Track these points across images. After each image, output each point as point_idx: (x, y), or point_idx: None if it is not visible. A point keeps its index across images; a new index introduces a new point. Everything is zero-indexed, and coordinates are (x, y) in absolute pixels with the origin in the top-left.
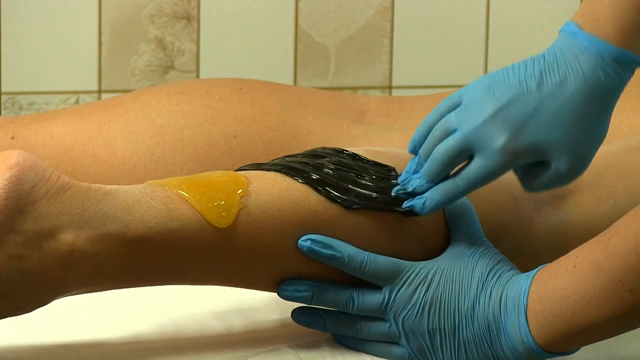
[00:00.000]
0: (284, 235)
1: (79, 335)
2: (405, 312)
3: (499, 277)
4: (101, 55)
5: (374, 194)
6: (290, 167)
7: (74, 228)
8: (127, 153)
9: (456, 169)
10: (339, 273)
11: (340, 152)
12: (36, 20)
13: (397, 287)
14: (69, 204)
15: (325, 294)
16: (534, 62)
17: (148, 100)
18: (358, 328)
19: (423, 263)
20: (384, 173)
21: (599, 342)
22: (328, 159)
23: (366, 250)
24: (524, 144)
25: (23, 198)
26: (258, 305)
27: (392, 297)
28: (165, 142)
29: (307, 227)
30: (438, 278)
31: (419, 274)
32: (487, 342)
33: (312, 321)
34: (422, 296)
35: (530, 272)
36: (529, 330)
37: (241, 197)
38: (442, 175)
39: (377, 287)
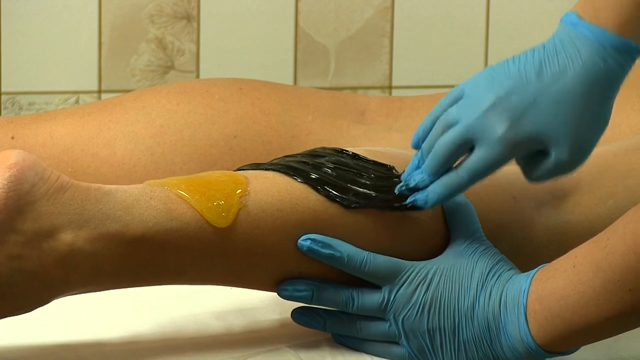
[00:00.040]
0: (283, 235)
1: (78, 335)
2: (405, 311)
3: (498, 276)
4: (101, 55)
5: (373, 193)
6: (289, 166)
7: (73, 228)
8: (127, 153)
9: (458, 161)
10: (339, 273)
11: (340, 152)
12: (36, 20)
13: (397, 287)
14: (68, 204)
15: (325, 293)
16: (534, 53)
17: (148, 100)
18: (358, 328)
19: (423, 263)
20: (384, 172)
21: (599, 342)
22: (327, 158)
23: (366, 250)
24: (524, 133)
25: (23, 198)
26: (258, 305)
27: (392, 297)
28: (165, 142)
29: (306, 227)
30: (438, 278)
31: (419, 273)
32: (486, 342)
33: (312, 321)
34: (422, 296)
35: (529, 271)
36: (529, 329)
37: (240, 196)
38: (444, 168)
39: (376, 287)
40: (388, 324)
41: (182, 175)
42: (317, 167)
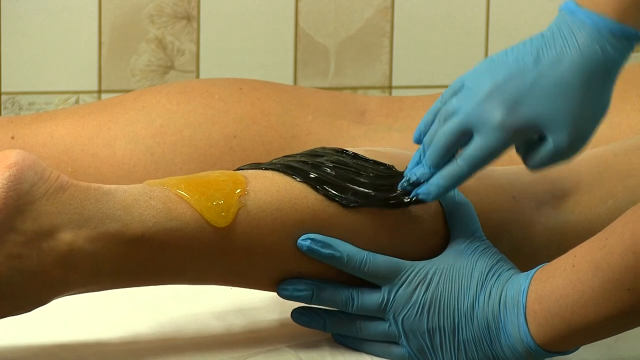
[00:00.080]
0: (283, 235)
1: (78, 335)
2: (405, 311)
3: (498, 276)
4: (101, 55)
5: (372, 192)
6: (288, 165)
7: (73, 227)
8: (127, 153)
9: (459, 153)
10: (339, 272)
11: (340, 151)
12: (36, 20)
13: (397, 287)
14: (68, 204)
15: (324, 293)
16: (532, 41)
17: (148, 100)
18: (358, 328)
19: (422, 262)
20: (383, 171)
21: (599, 342)
22: (327, 157)
23: (365, 249)
24: (522, 119)
25: (22, 197)
26: (258, 305)
27: (392, 297)
28: (165, 142)
29: (306, 226)
30: (437, 277)
31: (419, 273)
32: (486, 342)
33: (311, 321)
34: (421, 296)
35: (529, 271)
36: (528, 329)
37: (240, 196)
38: (445, 159)
39: (376, 287)
40: (388, 323)
41: (182, 175)
42: (317, 167)
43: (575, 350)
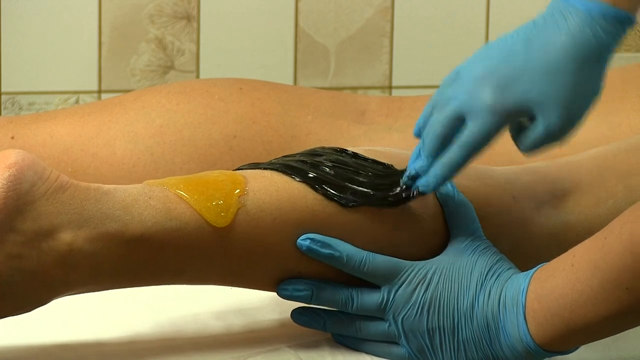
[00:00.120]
0: (282, 235)
1: (78, 335)
2: (405, 311)
3: (498, 276)
4: (101, 55)
5: (371, 191)
6: (287, 165)
7: (72, 227)
8: (127, 153)
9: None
10: (338, 272)
11: (339, 151)
12: (36, 20)
13: (396, 287)
14: (67, 204)
15: (324, 293)
16: (525, 26)
17: (148, 100)
18: (357, 328)
19: (422, 262)
20: (382, 170)
21: (598, 342)
22: (326, 157)
23: (365, 249)
24: (512, 101)
25: (22, 197)
26: (258, 305)
27: (391, 297)
28: (165, 142)
29: (305, 226)
30: (437, 277)
31: (418, 273)
32: (486, 341)
33: (311, 321)
34: (421, 295)
35: (528, 271)
36: (528, 329)
37: (239, 196)
38: (441, 148)
39: (376, 287)
40: (387, 323)
41: (182, 175)
42: (315, 166)
43: (574, 350)
